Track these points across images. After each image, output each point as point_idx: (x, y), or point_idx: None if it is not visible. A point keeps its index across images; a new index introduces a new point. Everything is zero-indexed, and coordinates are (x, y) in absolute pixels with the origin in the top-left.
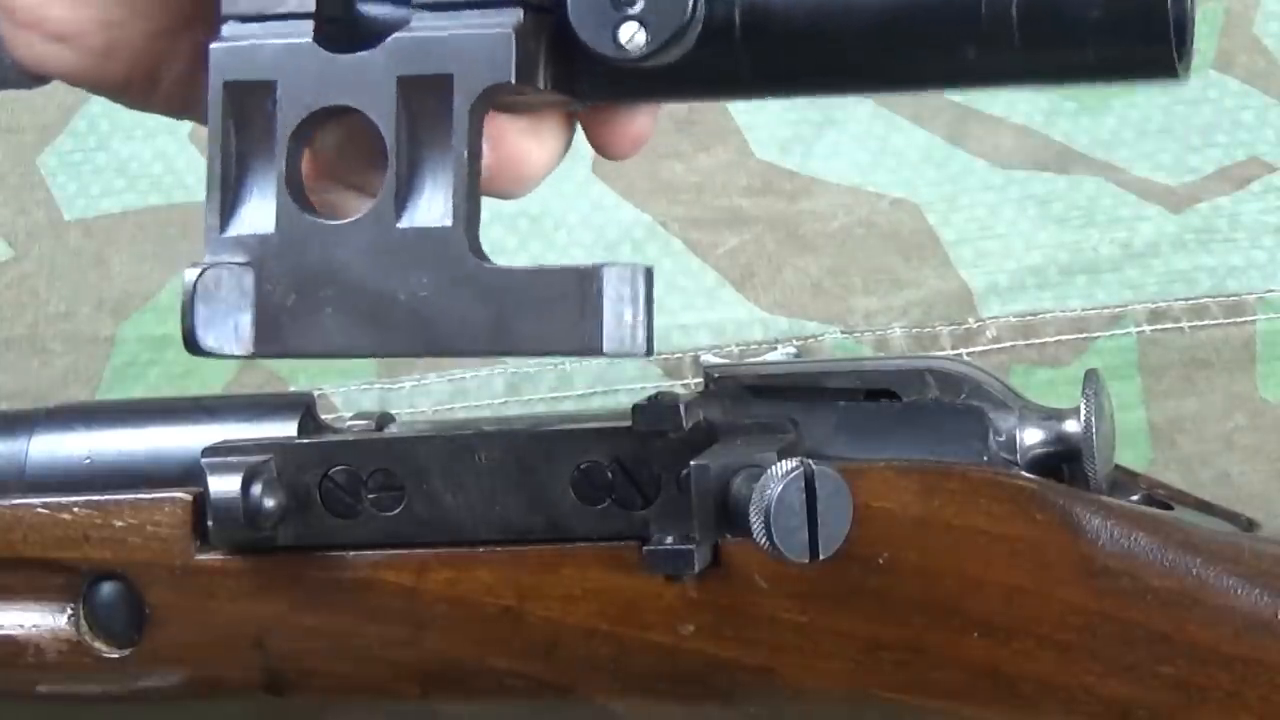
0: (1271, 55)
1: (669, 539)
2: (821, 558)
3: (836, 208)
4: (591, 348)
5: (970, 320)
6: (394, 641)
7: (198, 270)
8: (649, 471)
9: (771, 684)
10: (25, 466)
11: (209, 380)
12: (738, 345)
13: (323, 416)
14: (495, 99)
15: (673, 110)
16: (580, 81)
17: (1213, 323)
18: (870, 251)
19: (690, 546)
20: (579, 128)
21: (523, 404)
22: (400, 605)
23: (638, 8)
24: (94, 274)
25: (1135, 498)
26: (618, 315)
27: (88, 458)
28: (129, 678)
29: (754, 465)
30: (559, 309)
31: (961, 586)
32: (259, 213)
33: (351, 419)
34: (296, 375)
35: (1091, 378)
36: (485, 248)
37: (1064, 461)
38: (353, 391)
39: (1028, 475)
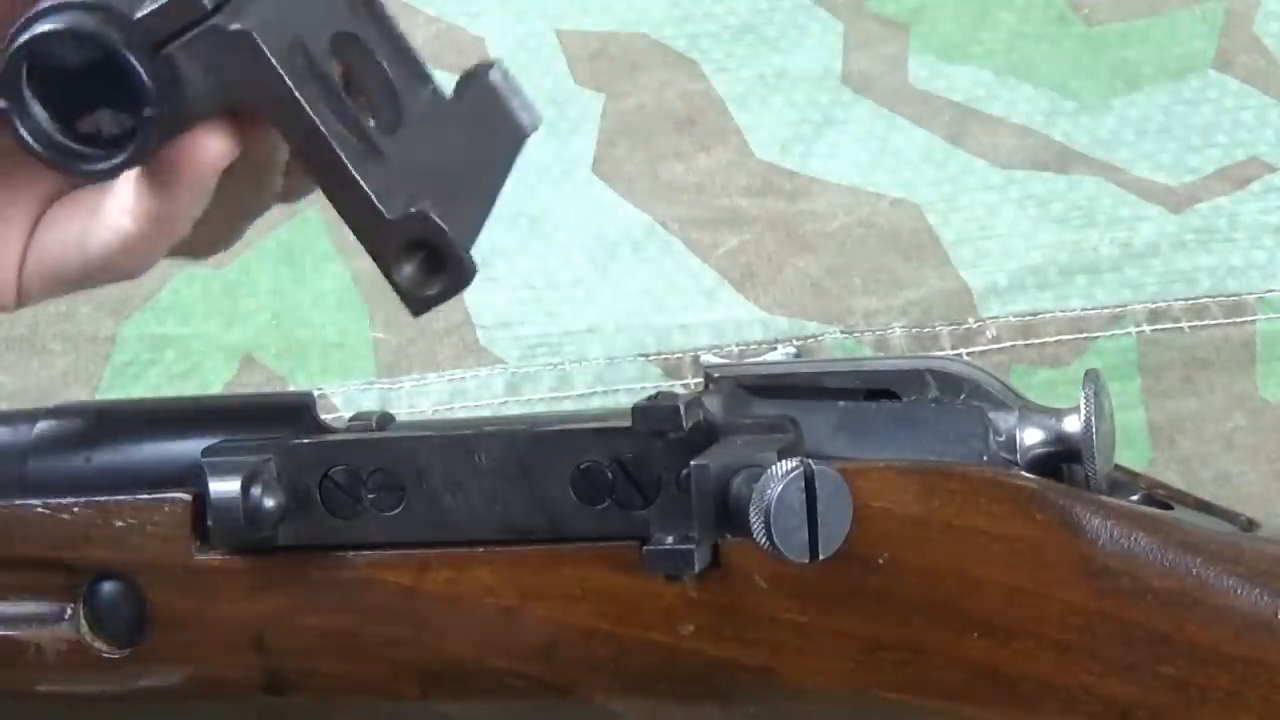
0: (1271, 55)
1: (669, 539)
2: (821, 558)
3: (836, 208)
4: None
5: (970, 320)
6: (394, 641)
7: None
8: (649, 471)
9: (771, 684)
10: (25, 466)
11: (209, 380)
12: (738, 345)
13: (323, 416)
14: None
15: (673, 110)
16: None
17: (1213, 323)
18: (870, 251)
19: (690, 546)
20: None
21: (523, 404)
22: (400, 605)
23: None
24: None
25: (1135, 498)
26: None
27: (88, 458)
28: (129, 678)
29: (754, 465)
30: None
31: (961, 586)
32: (371, 160)
33: (351, 419)
34: (296, 375)
35: (1091, 378)
36: (486, 248)
37: (1064, 461)
38: (353, 391)
39: (1028, 475)
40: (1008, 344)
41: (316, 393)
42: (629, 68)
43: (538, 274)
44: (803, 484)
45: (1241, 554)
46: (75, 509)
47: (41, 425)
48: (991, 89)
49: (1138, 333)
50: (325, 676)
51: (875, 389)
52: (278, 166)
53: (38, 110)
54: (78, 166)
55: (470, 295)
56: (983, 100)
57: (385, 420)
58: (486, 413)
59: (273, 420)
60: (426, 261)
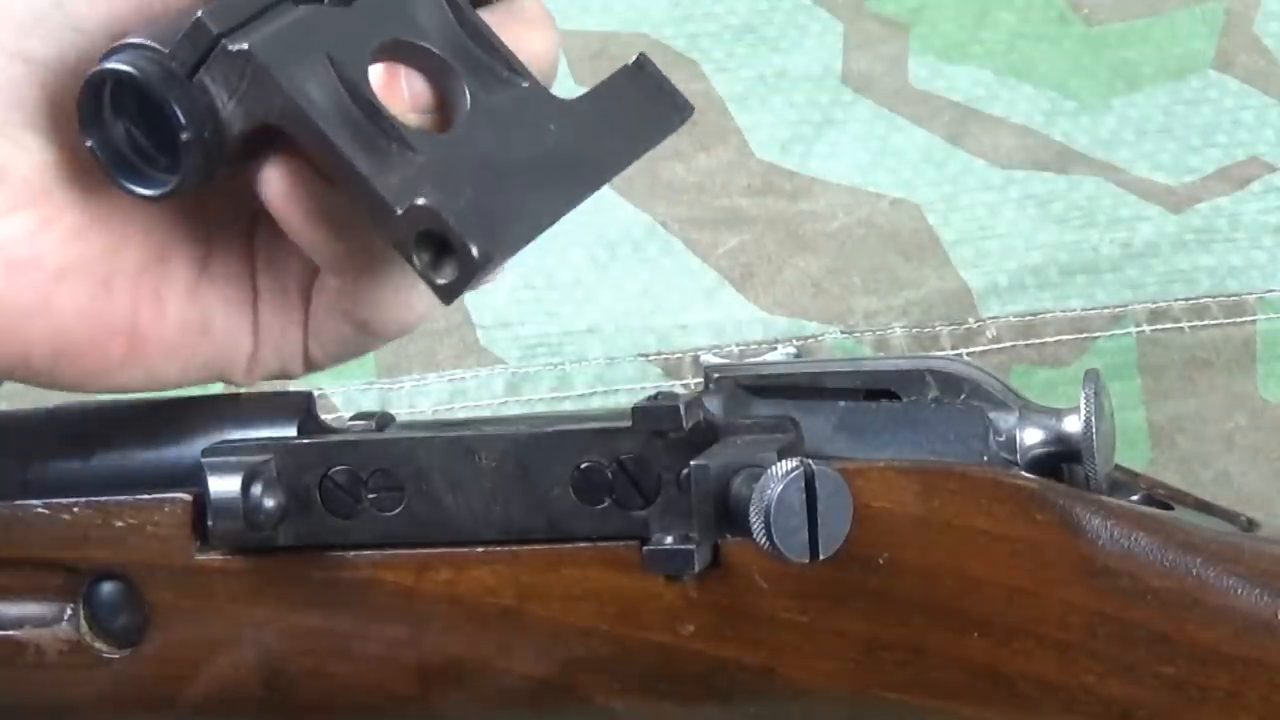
0: (1271, 55)
1: (669, 539)
2: (821, 558)
3: (836, 208)
4: (684, 112)
5: (970, 320)
6: (394, 641)
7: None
8: (649, 471)
9: (772, 684)
10: (25, 466)
11: None
12: (738, 345)
13: (323, 416)
14: None
15: None
16: None
17: (1213, 323)
18: (870, 251)
19: (690, 546)
20: None
21: (523, 404)
22: (400, 605)
23: None
24: None
25: (1135, 498)
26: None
27: (88, 458)
28: (129, 678)
29: (754, 465)
30: (641, 103)
31: (962, 586)
32: (398, 158)
33: (351, 419)
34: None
35: (1091, 378)
36: None
37: (1064, 461)
38: (353, 391)
39: (1028, 475)
40: (1008, 344)
41: (316, 393)
42: None
43: (538, 274)
44: (803, 484)
45: (1241, 554)
46: (75, 509)
47: (41, 425)
48: (991, 89)
49: (1138, 333)
50: (325, 676)
51: (875, 389)
52: None
53: (116, 139)
54: (143, 190)
55: (470, 295)
56: (983, 100)
57: (385, 420)
58: (486, 413)
59: (273, 420)
60: (437, 251)
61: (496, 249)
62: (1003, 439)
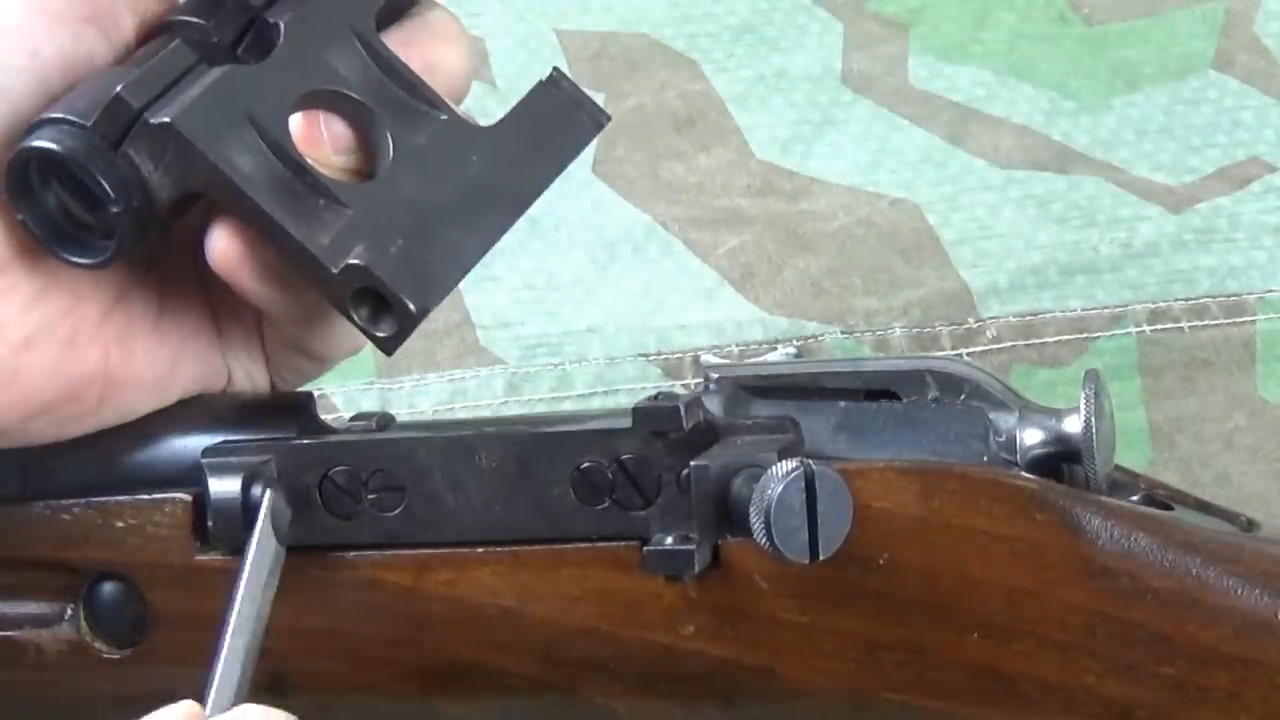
0: (1271, 55)
1: (669, 539)
2: (821, 558)
3: (836, 208)
4: (600, 121)
5: (970, 320)
6: (394, 641)
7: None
8: (649, 472)
9: (772, 684)
10: (25, 466)
11: None
12: (738, 345)
13: (323, 416)
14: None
15: (673, 111)
16: None
17: (1213, 323)
18: (870, 251)
19: (690, 547)
20: None
21: (523, 404)
22: (400, 605)
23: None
24: None
25: (1135, 498)
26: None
27: (88, 458)
28: (129, 678)
29: (754, 465)
30: (557, 119)
31: (962, 587)
32: (328, 214)
33: (351, 419)
34: None
35: (1091, 378)
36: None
37: (1064, 461)
38: (353, 391)
39: (1028, 475)
40: (1008, 344)
41: (316, 393)
42: (629, 68)
43: (538, 274)
44: (803, 484)
45: (1241, 554)
46: (75, 509)
47: None
48: (991, 89)
49: (1138, 333)
50: (325, 676)
51: (875, 389)
52: None
53: (49, 211)
54: (81, 259)
55: (470, 295)
56: (983, 100)
57: (385, 420)
58: (486, 413)
59: (273, 420)
60: (375, 306)
61: (431, 298)
62: (1003, 439)
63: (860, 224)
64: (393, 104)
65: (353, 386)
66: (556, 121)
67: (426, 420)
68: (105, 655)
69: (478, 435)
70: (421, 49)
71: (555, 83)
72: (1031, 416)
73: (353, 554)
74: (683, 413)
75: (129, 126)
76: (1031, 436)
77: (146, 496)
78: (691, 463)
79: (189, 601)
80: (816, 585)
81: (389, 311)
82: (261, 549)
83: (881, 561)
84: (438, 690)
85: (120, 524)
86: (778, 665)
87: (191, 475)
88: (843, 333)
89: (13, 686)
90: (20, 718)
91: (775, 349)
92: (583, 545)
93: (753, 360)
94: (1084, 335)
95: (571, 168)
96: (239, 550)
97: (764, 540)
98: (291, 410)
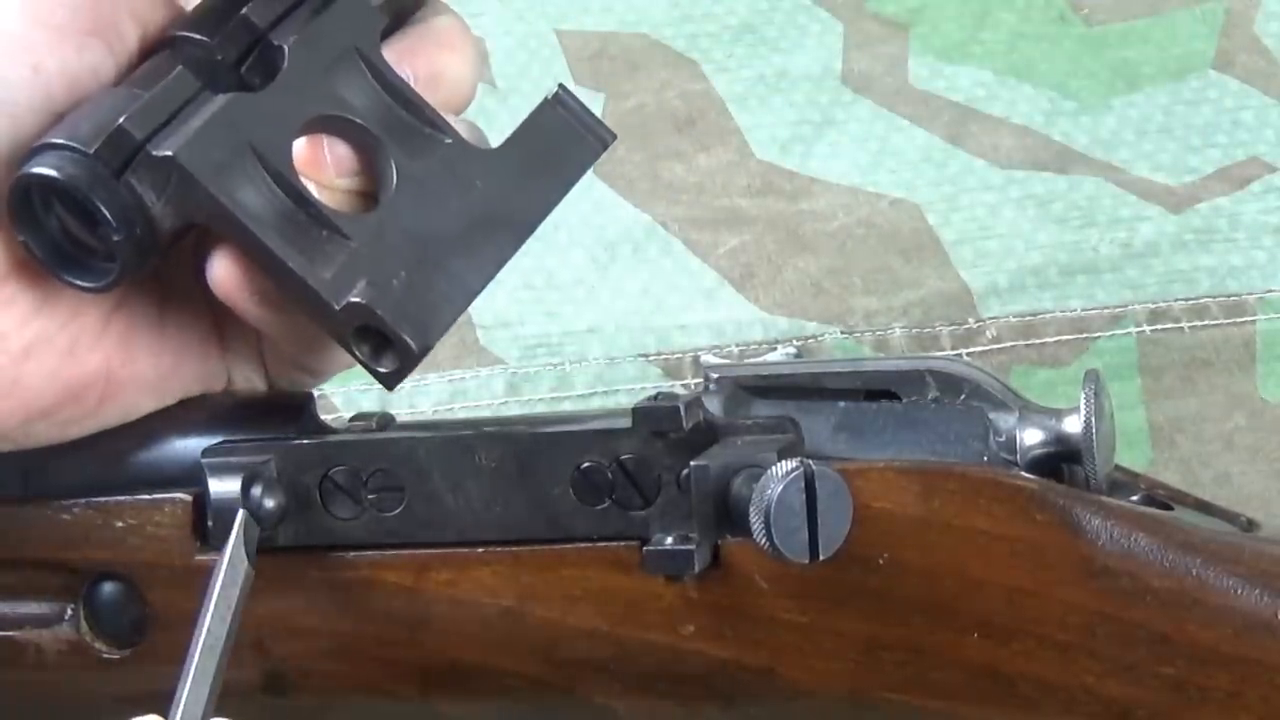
0: (1271, 55)
1: (669, 539)
2: (821, 558)
3: (836, 208)
4: (605, 139)
5: (970, 320)
6: (394, 641)
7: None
8: (649, 472)
9: (772, 684)
10: (26, 466)
11: None
12: (738, 345)
13: (323, 416)
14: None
15: (673, 110)
16: None
17: (1213, 323)
18: (870, 251)
19: (690, 547)
20: None
21: (523, 404)
22: (400, 605)
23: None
24: None
25: (1135, 498)
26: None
27: (88, 458)
28: (129, 678)
29: (754, 465)
30: (563, 138)
31: (961, 587)
32: (330, 247)
33: (351, 419)
34: None
35: (1091, 378)
36: None
37: (1064, 461)
38: (353, 391)
39: (1028, 475)
40: (1008, 344)
41: (316, 393)
42: (629, 68)
43: (538, 274)
44: (803, 484)
45: (1241, 554)
46: (75, 509)
47: None
48: (991, 89)
49: (1138, 333)
50: (325, 677)
51: (875, 389)
52: None
53: (52, 235)
54: (84, 283)
55: None
56: (983, 100)
57: (385, 420)
58: (486, 413)
59: (273, 420)
60: (375, 342)
61: (432, 335)
62: (1003, 439)
63: (860, 224)
64: (397, 129)
65: (353, 386)
66: (562, 141)
67: (426, 420)
68: (105, 655)
69: (478, 435)
70: (427, 57)
71: (561, 100)
72: (1031, 416)
73: (353, 554)
74: (683, 413)
75: (131, 156)
76: (1031, 436)
77: (146, 496)
78: (691, 463)
79: (189, 601)
80: (816, 585)
81: (390, 349)
82: (232, 567)
83: (881, 561)
84: (437, 690)
85: (120, 524)
86: (778, 665)
87: (191, 475)
88: (843, 333)
89: (13, 686)
90: (20, 718)
91: (775, 349)
92: (583, 545)
93: (753, 360)
94: (1084, 335)
95: None
96: None
97: (764, 540)
98: (291, 410)
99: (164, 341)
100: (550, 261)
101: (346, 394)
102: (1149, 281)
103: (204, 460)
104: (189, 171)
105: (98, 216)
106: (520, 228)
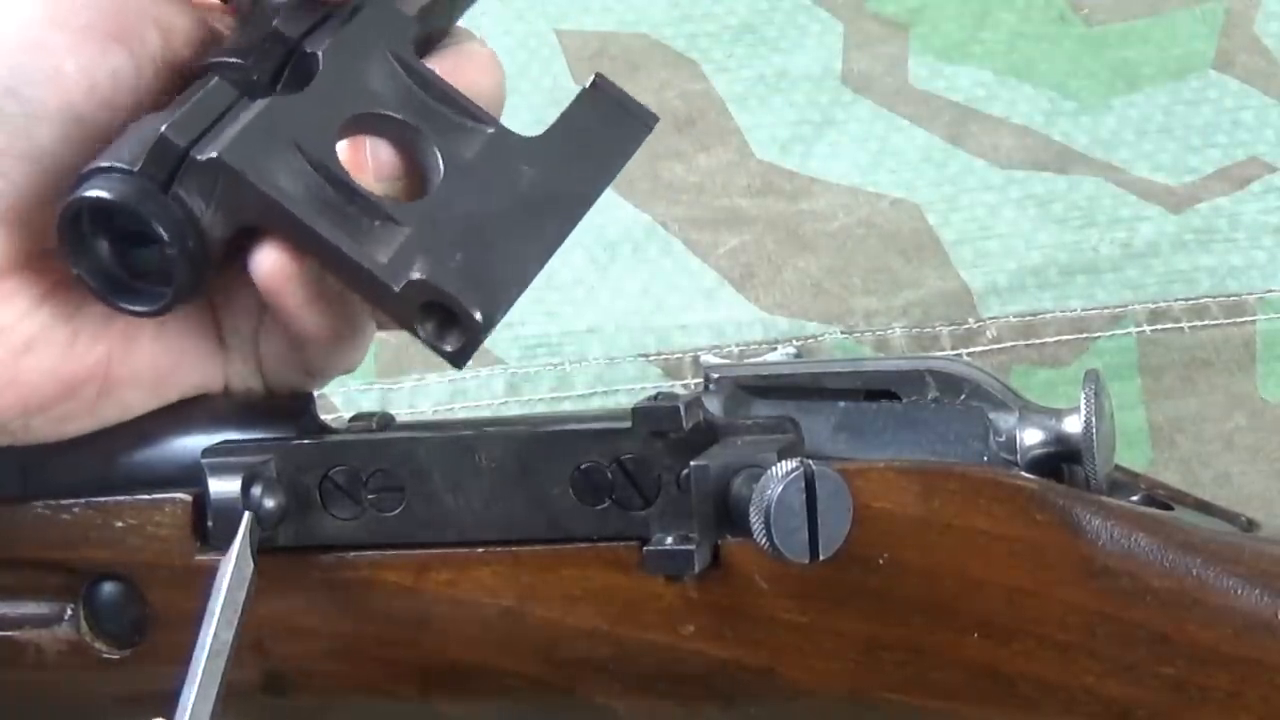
0: (1271, 55)
1: (669, 539)
2: (821, 558)
3: (836, 208)
4: (648, 122)
5: (970, 320)
6: (394, 641)
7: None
8: (649, 472)
9: (772, 684)
10: (25, 466)
11: None
12: (738, 345)
13: (323, 416)
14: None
15: (673, 110)
16: None
17: (1213, 323)
18: (870, 251)
19: (690, 547)
20: None
21: (523, 404)
22: (400, 605)
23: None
24: None
25: (1135, 498)
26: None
27: (88, 458)
28: (129, 678)
29: (754, 465)
30: (605, 123)
31: (962, 587)
32: (383, 233)
33: (351, 419)
34: None
35: (1091, 378)
36: None
37: (1064, 461)
38: (353, 391)
39: (1028, 475)
40: (1008, 344)
41: (316, 393)
42: (629, 68)
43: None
44: (803, 484)
45: (1241, 554)
46: (75, 509)
47: None
48: (991, 89)
49: (1138, 333)
50: (325, 677)
51: (875, 389)
52: None
53: (103, 261)
54: (139, 308)
55: None
56: (983, 100)
57: (385, 420)
58: (486, 413)
59: (273, 420)
60: (441, 320)
61: (497, 308)
62: (1003, 439)
63: (860, 224)
64: (438, 120)
65: (353, 386)
66: (605, 125)
67: (426, 420)
68: (105, 655)
69: (478, 435)
70: (465, 76)
71: (599, 87)
72: (1031, 416)
73: (353, 554)
74: (683, 413)
75: (176, 167)
76: (1031, 436)
77: (146, 496)
78: (691, 463)
79: (189, 601)
80: (816, 585)
81: (455, 325)
82: (238, 568)
83: (881, 561)
84: (437, 690)
85: (120, 524)
86: (778, 665)
87: (191, 475)
88: (843, 333)
89: (13, 686)
90: (20, 718)
91: (775, 349)
92: (583, 545)
93: (753, 360)
94: (1084, 335)
95: None
96: None
97: (764, 540)
98: (291, 410)
99: (163, 340)
100: (550, 261)
101: (346, 394)
102: (1149, 281)
103: (204, 460)
104: (236, 170)
105: (150, 233)
106: (572, 209)
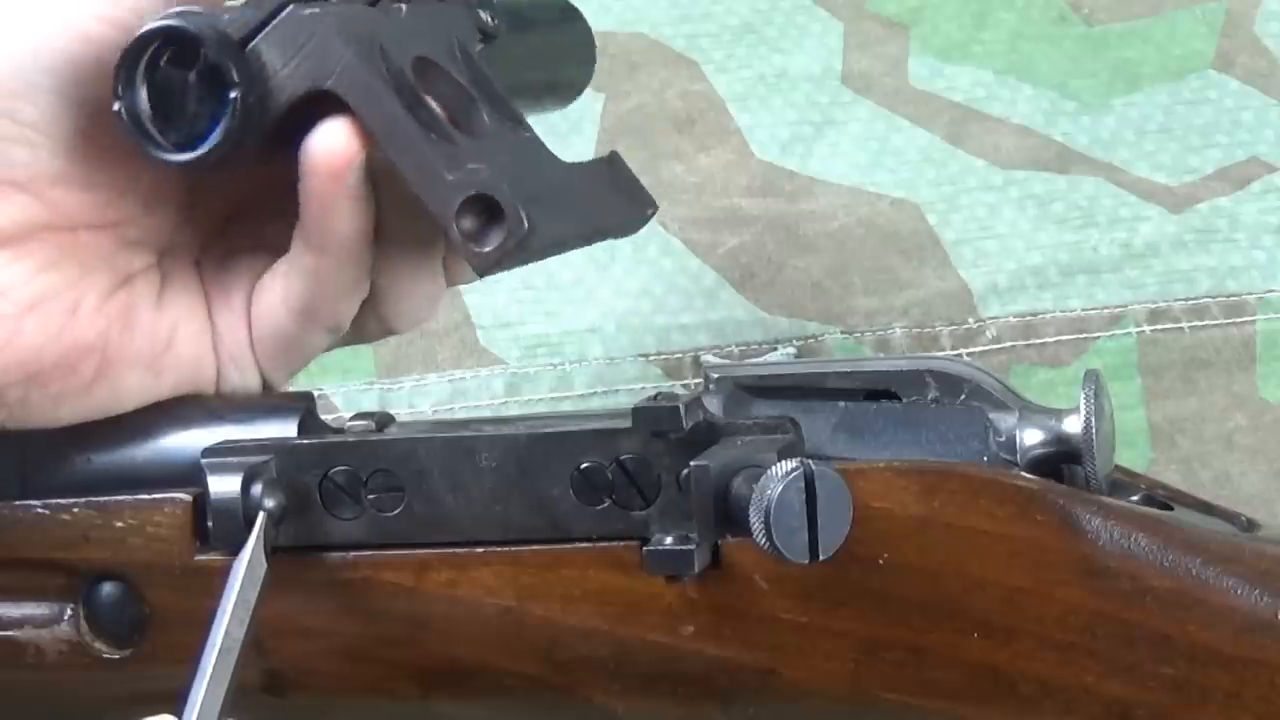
0: (1271, 55)
1: (669, 539)
2: (821, 558)
3: (836, 208)
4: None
5: (970, 320)
6: (394, 641)
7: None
8: (649, 472)
9: (772, 684)
10: (25, 466)
11: None
12: (738, 345)
13: (323, 416)
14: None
15: (673, 110)
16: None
17: (1213, 323)
18: (870, 251)
19: (690, 547)
20: None
21: (523, 404)
22: (400, 605)
23: None
24: None
25: (1135, 498)
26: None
27: (88, 458)
28: (129, 678)
29: (754, 465)
30: (617, 191)
31: (962, 587)
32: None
33: (351, 419)
34: (297, 375)
35: (1091, 378)
36: None
37: (1064, 461)
38: (353, 391)
39: (1028, 476)
40: (1008, 344)
41: (316, 393)
42: (629, 68)
43: (538, 274)
44: (803, 485)
45: (1241, 554)
46: (75, 509)
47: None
48: (991, 89)
49: (1138, 333)
50: (325, 677)
51: (875, 389)
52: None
53: (144, 105)
54: (177, 157)
55: (470, 295)
56: (983, 100)
57: (385, 420)
58: (486, 413)
59: (273, 420)
60: (485, 218)
61: (542, 224)
62: (1003, 439)
63: (860, 224)
64: (490, 100)
65: (353, 386)
66: (617, 192)
67: (426, 420)
68: (105, 655)
69: (478, 435)
70: None
71: (614, 163)
72: (1031, 416)
73: (353, 554)
74: (683, 413)
75: (269, 18)
76: (1031, 436)
77: (146, 496)
78: (691, 463)
79: (188, 601)
80: (816, 585)
81: (499, 223)
82: (251, 568)
83: (881, 561)
84: (437, 690)
85: (120, 524)
86: (778, 665)
87: (191, 475)
88: (843, 333)
89: (13, 686)
90: (20, 718)
91: (775, 349)
92: (582, 545)
93: (753, 360)
94: (1084, 335)
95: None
96: (238, 550)
97: (764, 540)
98: (291, 410)
99: (161, 322)
100: (550, 262)
101: (346, 394)
102: (1149, 281)
103: (204, 460)
104: (333, 29)
105: (222, 72)
106: (594, 227)
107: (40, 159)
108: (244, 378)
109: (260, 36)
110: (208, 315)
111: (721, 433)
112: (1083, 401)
